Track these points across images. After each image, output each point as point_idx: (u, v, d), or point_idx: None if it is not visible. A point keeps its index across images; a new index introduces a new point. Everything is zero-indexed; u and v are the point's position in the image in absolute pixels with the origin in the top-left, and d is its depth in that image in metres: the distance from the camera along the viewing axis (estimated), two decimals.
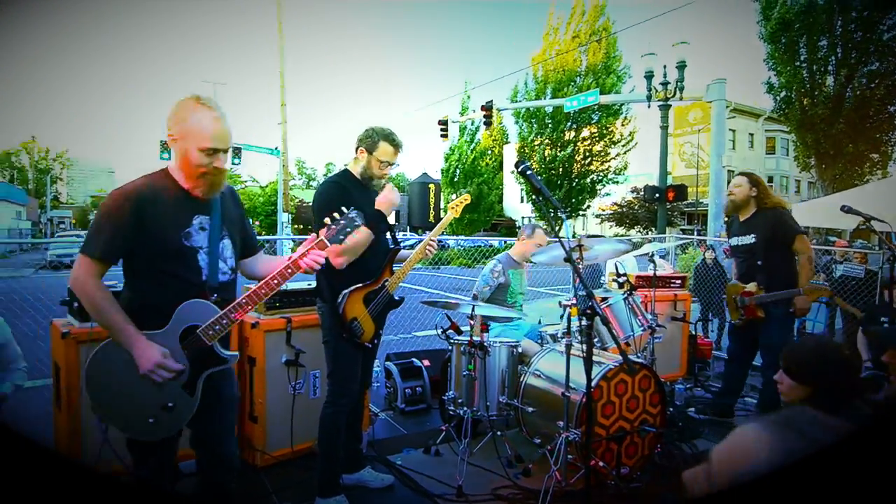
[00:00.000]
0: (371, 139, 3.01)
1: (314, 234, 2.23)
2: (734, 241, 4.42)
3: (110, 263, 2.03)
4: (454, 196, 30.87)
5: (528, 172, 2.46)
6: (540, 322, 4.53)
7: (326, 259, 2.25)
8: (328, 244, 2.20)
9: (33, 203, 50.09)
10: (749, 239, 4.28)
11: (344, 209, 2.24)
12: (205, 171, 2.06)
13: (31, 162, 60.67)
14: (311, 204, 3.12)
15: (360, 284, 2.98)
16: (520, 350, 3.82)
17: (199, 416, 2.14)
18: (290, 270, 2.16)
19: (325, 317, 3.03)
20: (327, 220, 2.22)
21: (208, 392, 2.14)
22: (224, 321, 2.08)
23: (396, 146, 3.03)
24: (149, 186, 2.07)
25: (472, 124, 29.62)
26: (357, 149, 3.05)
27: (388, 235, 3.16)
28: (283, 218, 20.43)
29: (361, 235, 2.77)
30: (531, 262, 4.56)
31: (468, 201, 3.87)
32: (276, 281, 2.13)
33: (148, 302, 2.06)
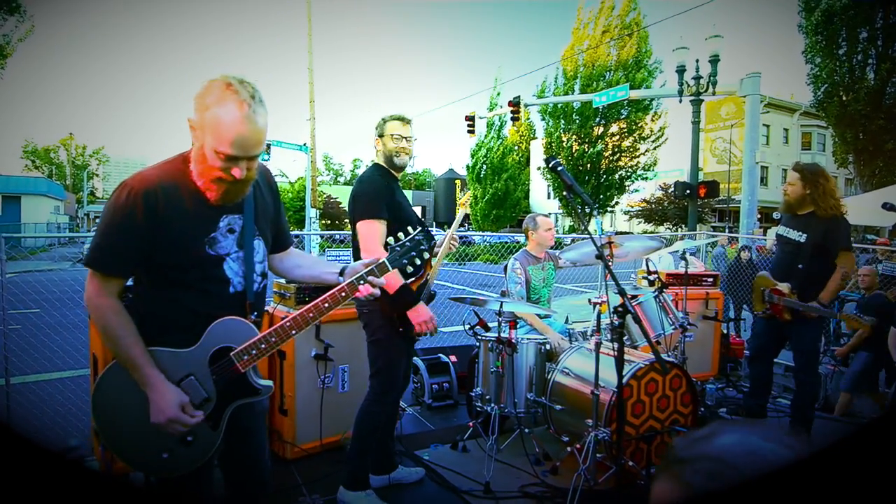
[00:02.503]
0: (379, 126, 3.11)
1: (376, 256, 1.87)
2: (782, 230, 4.09)
3: (125, 277, 1.72)
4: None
5: (560, 168, 2.44)
6: (567, 320, 4.49)
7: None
8: (389, 268, 1.84)
9: (71, 198, 51.50)
10: (799, 237, 3.95)
11: (410, 229, 1.90)
12: (219, 176, 1.65)
13: (68, 158, 62.45)
14: (350, 201, 3.01)
15: (412, 279, 2.96)
16: (548, 347, 3.79)
17: (228, 442, 1.84)
18: (344, 294, 1.82)
19: (374, 314, 3.00)
20: (391, 240, 1.88)
21: (235, 418, 1.81)
22: (262, 346, 1.75)
23: (402, 119, 3.10)
24: (164, 180, 1.69)
25: (499, 119, 29.45)
26: (374, 141, 3.13)
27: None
28: (311, 213, 20.66)
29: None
30: (559, 265, 4.50)
31: (470, 197, 3.91)
32: (327, 304, 1.81)
33: (168, 316, 1.74)
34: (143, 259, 1.69)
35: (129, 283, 1.79)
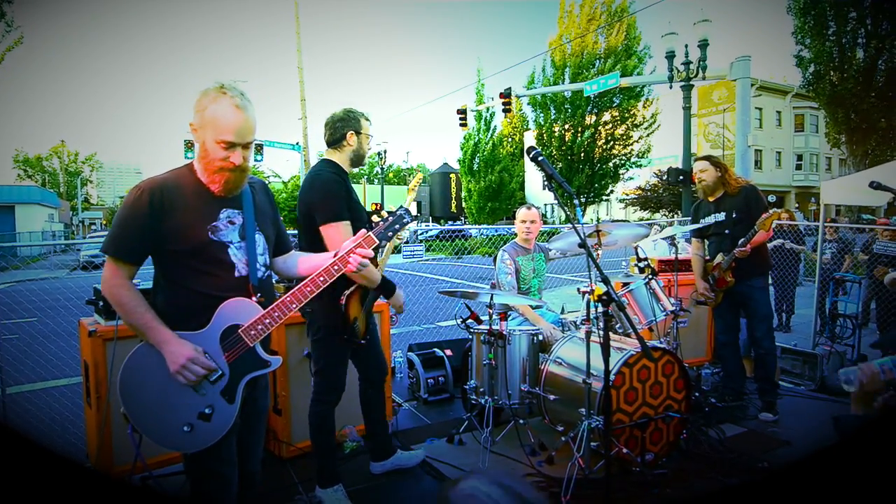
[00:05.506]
0: (355, 120, 3.00)
1: (363, 230, 2.07)
2: (707, 219, 4.48)
3: (137, 264, 1.93)
4: (472, 183, 30.75)
5: (540, 159, 2.43)
6: (563, 310, 4.49)
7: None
8: (376, 240, 2.05)
9: (65, 205, 51.30)
10: (718, 216, 4.41)
11: (392, 207, 2.11)
12: (221, 165, 1.90)
13: (61, 165, 62.17)
14: (308, 203, 2.89)
15: (356, 284, 2.89)
16: (540, 338, 3.80)
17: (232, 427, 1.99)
18: (336, 268, 2.00)
19: (317, 314, 2.96)
20: (375, 217, 2.09)
21: (245, 402, 1.98)
22: (267, 321, 1.94)
23: (369, 119, 3.10)
24: (170, 179, 1.94)
25: (488, 111, 29.31)
26: (344, 135, 2.98)
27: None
28: None
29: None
30: (551, 256, 4.52)
31: (421, 179, 3.88)
32: (322, 279, 1.99)
33: (182, 303, 1.94)
34: (151, 247, 1.92)
35: (147, 285, 2.06)
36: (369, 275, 2.83)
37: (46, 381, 5.50)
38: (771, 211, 4.01)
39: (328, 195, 2.84)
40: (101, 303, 3.18)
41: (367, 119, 3.07)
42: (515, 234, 4.43)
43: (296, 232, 3.14)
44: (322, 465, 3.08)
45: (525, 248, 4.36)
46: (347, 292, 2.88)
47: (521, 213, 4.42)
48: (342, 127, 2.98)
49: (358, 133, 3.00)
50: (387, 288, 3.04)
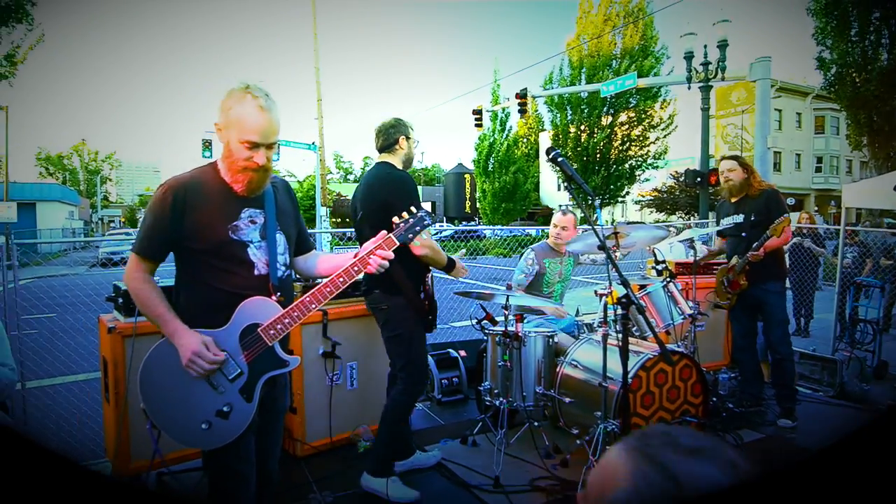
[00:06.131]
0: (405, 126, 3.20)
1: (383, 232, 2.09)
2: (727, 220, 4.46)
3: (157, 259, 1.97)
4: (487, 184, 30.68)
5: (560, 159, 2.42)
6: (578, 312, 4.46)
7: (401, 252, 2.13)
8: (397, 242, 2.07)
9: (85, 203, 51.99)
10: (738, 218, 4.37)
11: (413, 208, 2.17)
12: (244, 165, 1.91)
13: (81, 164, 62.93)
14: (392, 200, 2.91)
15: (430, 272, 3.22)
16: (556, 340, 3.77)
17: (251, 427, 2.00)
18: (356, 269, 2.01)
19: (396, 310, 3.09)
20: (395, 220, 2.12)
21: (264, 401, 1.99)
22: (286, 320, 1.94)
23: (412, 128, 3.28)
24: (194, 178, 1.98)
25: (504, 112, 29.23)
26: (396, 140, 3.17)
27: None
28: (322, 212, 20.72)
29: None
30: (580, 261, 4.52)
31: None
32: (342, 279, 2.00)
33: (203, 300, 1.96)
34: (173, 244, 1.95)
35: (171, 282, 2.10)
36: (437, 257, 3.10)
37: (65, 375, 5.57)
38: (783, 217, 3.96)
39: (409, 190, 3.04)
40: (120, 299, 3.21)
41: (412, 128, 3.26)
42: (529, 235, 4.41)
43: (309, 231, 3.21)
44: (384, 455, 3.15)
45: (555, 251, 4.35)
46: (428, 280, 3.16)
47: (556, 217, 4.43)
48: (394, 133, 3.17)
49: (408, 138, 3.20)
50: (449, 264, 3.24)
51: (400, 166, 3.18)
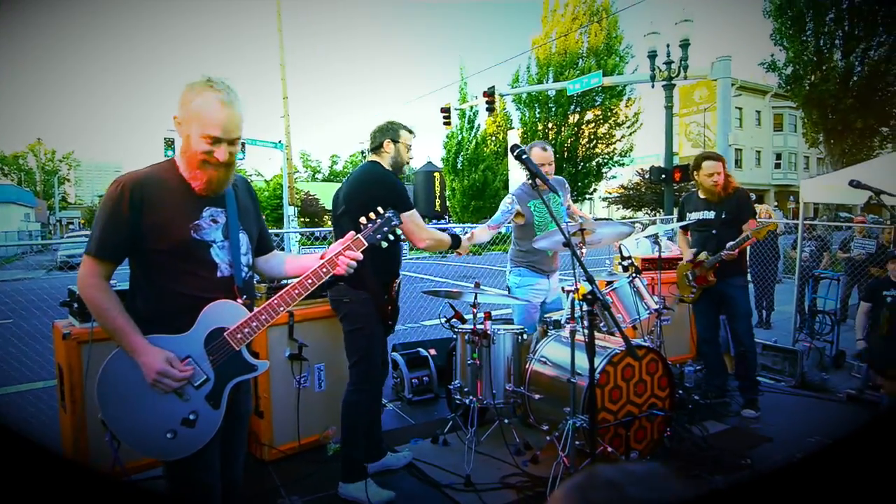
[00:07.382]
0: (393, 130, 3.24)
1: (351, 232, 2.05)
2: (696, 215, 4.51)
3: (114, 262, 1.85)
4: (456, 182, 30.70)
5: (524, 157, 2.42)
6: (564, 290, 4.39)
7: (369, 253, 2.08)
8: (365, 243, 2.04)
9: (42, 205, 50.36)
10: (709, 214, 4.42)
11: (380, 209, 2.11)
12: (204, 159, 1.82)
13: (37, 164, 60.97)
14: (381, 198, 2.75)
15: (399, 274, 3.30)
16: (524, 337, 3.79)
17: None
18: (325, 270, 1.97)
19: (357, 304, 3.09)
20: (363, 220, 2.08)
21: (228, 406, 1.90)
22: (254, 324, 1.88)
23: (411, 131, 3.32)
24: (151, 174, 1.87)
25: (471, 110, 29.32)
26: (381, 143, 3.23)
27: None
28: (290, 211, 20.48)
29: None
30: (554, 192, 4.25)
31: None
32: (310, 281, 1.95)
33: (163, 305, 1.86)
34: (131, 245, 1.84)
35: (125, 286, 1.97)
36: (442, 243, 3.31)
37: (21, 384, 5.37)
38: (769, 221, 4.06)
39: (396, 187, 3.14)
40: (75, 304, 3.10)
41: (410, 131, 3.31)
42: (500, 233, 4.36)
43: (276, 231, 3.22)
44: (352, 459, 3.10)
45: (537, 193, 4.10)
46: (398, 281, 3.23)
47: (537, 153, 3.95)
48: (380, 136, 3.24)
49: (395, 142, 3.23)
50: (455, 242, 3.38)
51: (388, 167, 3.22)
